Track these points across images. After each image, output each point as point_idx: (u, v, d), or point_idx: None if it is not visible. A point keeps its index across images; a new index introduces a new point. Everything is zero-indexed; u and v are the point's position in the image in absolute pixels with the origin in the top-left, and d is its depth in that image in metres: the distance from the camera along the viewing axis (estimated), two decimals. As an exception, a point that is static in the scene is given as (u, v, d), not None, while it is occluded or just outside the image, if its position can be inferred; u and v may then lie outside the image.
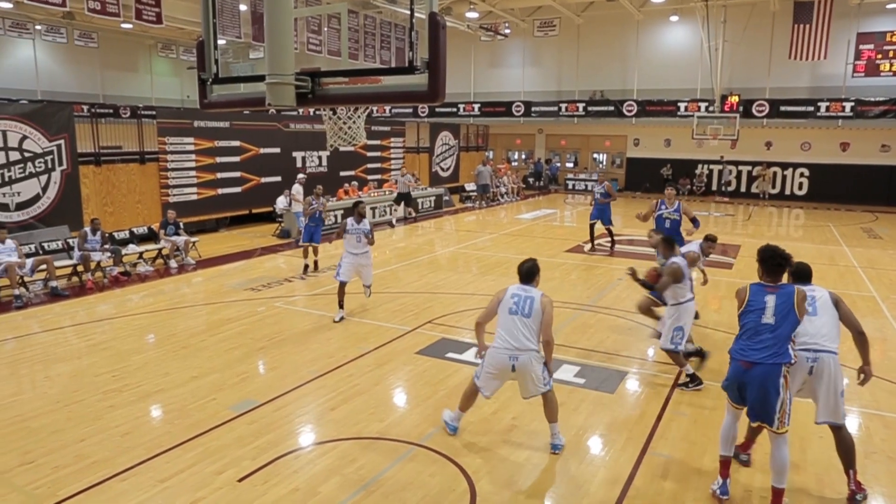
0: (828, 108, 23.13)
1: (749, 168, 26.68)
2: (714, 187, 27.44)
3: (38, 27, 23.92)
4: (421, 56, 3.02)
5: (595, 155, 30.79)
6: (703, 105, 24.51)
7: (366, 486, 4.73)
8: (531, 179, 30.09)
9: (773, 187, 26.41)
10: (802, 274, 4.97)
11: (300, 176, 15.85)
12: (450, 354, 7.53)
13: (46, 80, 26.17)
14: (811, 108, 23.43)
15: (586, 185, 29.44)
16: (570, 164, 31.40)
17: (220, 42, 3.93)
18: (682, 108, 25.04)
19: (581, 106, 27.24)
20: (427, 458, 5.14)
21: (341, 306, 8.85)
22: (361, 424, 5.69)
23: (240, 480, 4.78)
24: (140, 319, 8.99)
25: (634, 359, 7.60)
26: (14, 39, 24.80)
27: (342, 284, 8.76)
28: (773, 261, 4.47)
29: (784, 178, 26.35)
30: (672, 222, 9.91)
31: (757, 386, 4.32)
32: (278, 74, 3.23)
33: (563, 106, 27.51)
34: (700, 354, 7.17)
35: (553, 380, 5.30)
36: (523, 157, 32.53)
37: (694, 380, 6.62)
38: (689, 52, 25.90)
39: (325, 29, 21.28)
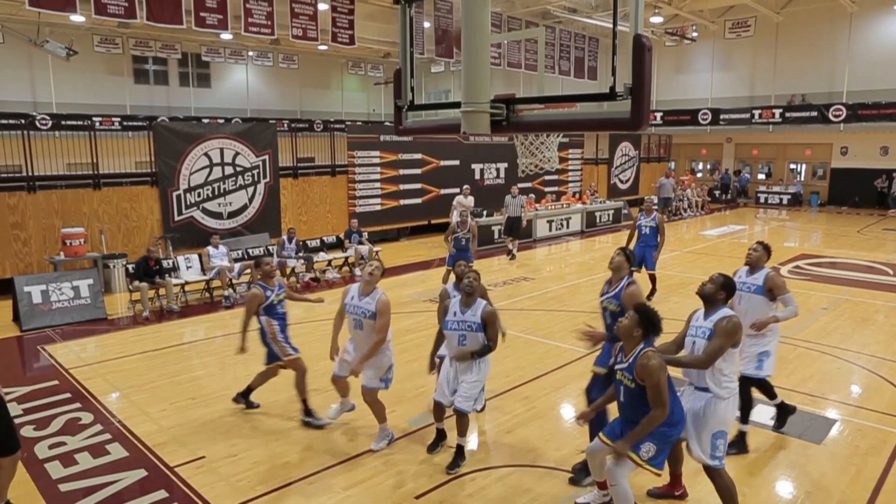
0: None
1: None
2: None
3: (250, 53, 26.82)
4: (623, 81, 2.82)
5: (792, 165, 28.00)
6: (932, 107, 21.27)
7: (541, 520, 4.58)
8: (717, 192, 28.07)
9: None
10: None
11: (465, 186, 15.85)
12: (629, 383, 7.13)
13: (255, 100, 29.23)
14: None
15: (780, 199, 26.86)
16: (762, 176, 28.85)
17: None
18: (905, 112, 21.90)
19: (777, 112, 24.85)
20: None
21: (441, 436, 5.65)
22: (537, 451, 5.54)
23: (417, 497, 4.85)
24: (327, 325, 9.50)
25: (846, 404, 6.67)
26: (231, 65, 28.05)
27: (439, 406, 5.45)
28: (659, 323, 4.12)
29: None
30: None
31: None
32: (474, 103, 3.20)
33: (757, 112, 25.30)
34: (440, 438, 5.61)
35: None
36: (708, 167, 30.49)
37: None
38: (916, 47, 22.67)
39: (505, 42, 21.49)
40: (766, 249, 5.63)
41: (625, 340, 4.08)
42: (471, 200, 15.43)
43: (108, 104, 24.41)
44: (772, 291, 5.47)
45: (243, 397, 6.54)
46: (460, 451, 5.27)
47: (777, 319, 5.44)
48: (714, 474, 4.34)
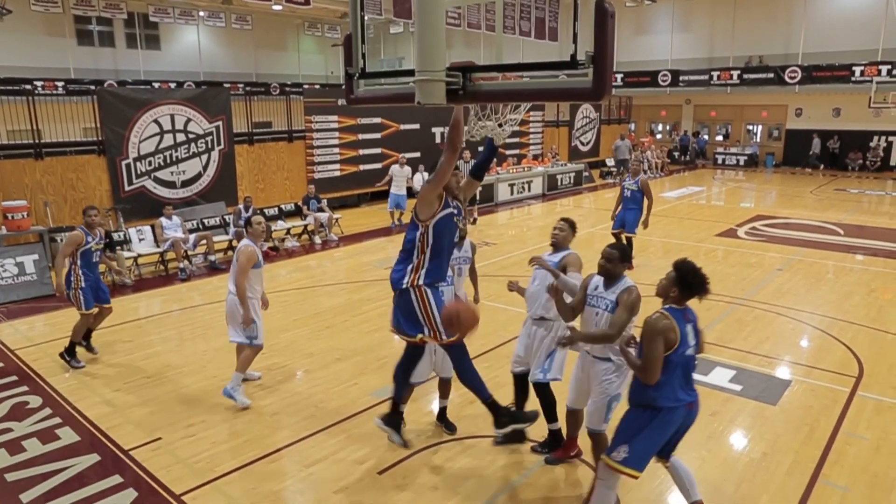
0: None
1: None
2: (893, 162, 24.40)
3: (201, 14, 25.72)
4: (585, 49, 2.70)
5: (749, 126, 28.39)
6: (884, 69, 21.63)
7: (506, 490, 4.59)
8: (676, 154, 28.35)
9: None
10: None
11: (402, 156, 15.16)
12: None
13: (208, 62, 28.13)
14: None
15: (737, 160, 27.28)
16: (720, 137, 29.22)
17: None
18: (858, 73, 22.26)
19: (735, 73, 25.06)
20: (571, 464, 4.89)
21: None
22: (500, 422, 5.53)
23: (380, 473, 4.81)
24: (287, 296, 9.41)
25: (800, 365, 6.84)
26: (181, 26, 26.85)
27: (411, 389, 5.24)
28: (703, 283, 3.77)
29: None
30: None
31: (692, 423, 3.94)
32: (428, 71, 3.03)
33: (715, 74, 25.47)
34: None
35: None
36: (668, 129, 30.71)
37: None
38: (870, 7, 22.95)
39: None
40: (573, 227, 5.06)
41: (663, 300, 3.85)
42: (407, 170, 14.59)
43: (50, 67, 23.17)
44: (565, 269, 4.81)
45: (85, 342, 7.01)
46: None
47: (557, 275, 4.61)
48: (598, 437, 4.35)
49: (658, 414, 3.72)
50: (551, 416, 4.96)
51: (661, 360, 3.62)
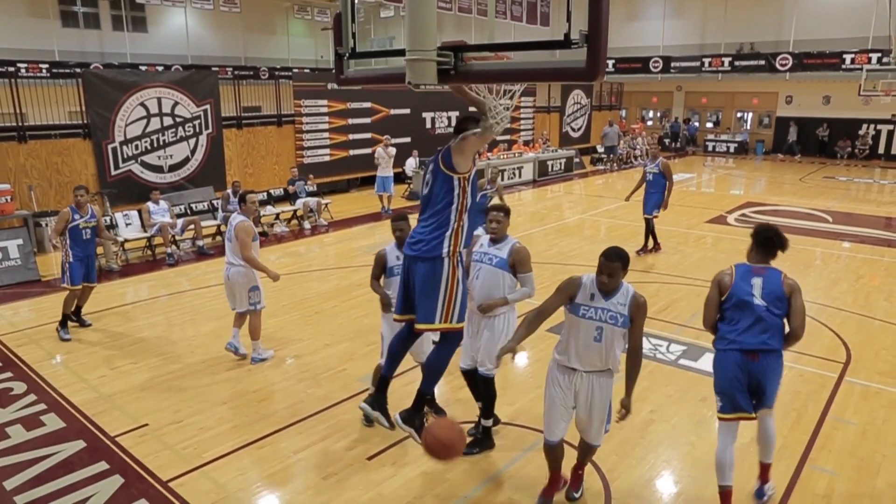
0: None
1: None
2: (881, 150, 24.51)
3: (188, -5, 25.32)
4: (578, 28, 2.63)
5: (739, 114, 28.40)
6: (874, 56, 21.66)
7: (494, 477, 4.57)
8: (667, 140, 28.34)
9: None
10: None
11: (386, 136, 14.97)
12: (581, 335, 7.16)
13: (195, 46, 27.71)
14: None
15: (728, 147, 27.32)
16: (711, 124, 29.22)
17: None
18: (848, 61, 22.29)
19: (727, 60, 25.00)
20: (559, 451, 4.88)
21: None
22: (490, 407, 5.52)
23: (369, 458, 4.78)
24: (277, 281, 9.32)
25: (789, 351, 6.76)
26: (168, 8, 26.39)
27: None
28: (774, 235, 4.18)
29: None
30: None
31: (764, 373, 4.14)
32: (419, 50, 2.96)
33: (707, 61, 25.40)
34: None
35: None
36: (659, 116, 30.68)
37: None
38: (861, -5, 22.97)
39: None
40: (507, 214, 4.74)
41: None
42: (392, 151, 14.38)
43: (34, 49, 22.76)
44: (514, 267, 4.61)
45: (75, 316, 7.47)
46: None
47: (506, 301, 4.62)
48: (594, 450, 4.22)
49: (716, 355, 4.13)
50: (490, 412, 4.88)
51: (710, 306, 4.10)
